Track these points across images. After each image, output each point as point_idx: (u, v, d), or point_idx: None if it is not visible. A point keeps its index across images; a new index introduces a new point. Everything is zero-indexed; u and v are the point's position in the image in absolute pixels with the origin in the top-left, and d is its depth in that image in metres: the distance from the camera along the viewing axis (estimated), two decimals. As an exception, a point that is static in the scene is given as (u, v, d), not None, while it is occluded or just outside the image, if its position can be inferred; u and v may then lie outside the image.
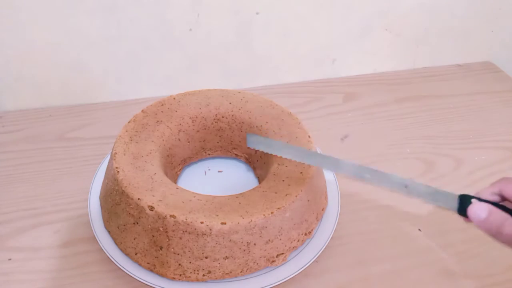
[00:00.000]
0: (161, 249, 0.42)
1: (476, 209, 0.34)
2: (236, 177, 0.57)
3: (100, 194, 0.51)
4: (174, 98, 0.56)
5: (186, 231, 0.41)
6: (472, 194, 0.56)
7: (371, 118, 0.70)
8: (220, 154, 0.59)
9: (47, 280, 0.46)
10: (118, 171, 0.46)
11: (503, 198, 0.35)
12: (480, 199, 0.35)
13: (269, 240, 0.43)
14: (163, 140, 0.51)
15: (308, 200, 0.46)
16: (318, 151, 0.57)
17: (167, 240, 0.42)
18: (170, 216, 0.41)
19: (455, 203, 0.36)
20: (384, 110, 0.72)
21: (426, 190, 0.38)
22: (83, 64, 0.67)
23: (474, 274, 0.48)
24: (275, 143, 0.47)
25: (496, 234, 0.33)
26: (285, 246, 0.45)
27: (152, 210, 0.42)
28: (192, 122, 0.55)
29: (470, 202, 0.35)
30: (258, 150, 0.54)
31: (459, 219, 0.54)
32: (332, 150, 0.62)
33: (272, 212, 0.43)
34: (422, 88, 0.78)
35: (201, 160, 0.59)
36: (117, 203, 0.45)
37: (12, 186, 0.56)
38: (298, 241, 0.46)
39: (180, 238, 0.42)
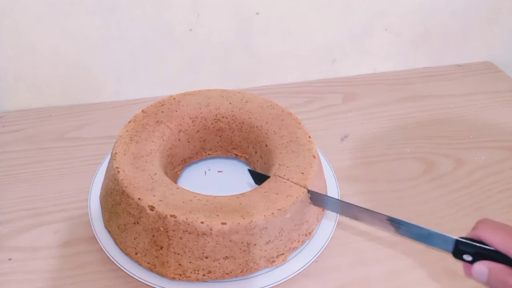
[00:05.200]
0: (161, 249, 0.42)
1: (476, 270, 0.32)
2: (236, 177, 0.57)
3: (100, 194, 0.51)
4: (174, 98, 0.56)
5: (187, 231, 0.41)
6: (469, 195, 0.57)
7: (371, 118, 0.70)
8: (220, 154, 0.59)
9: (47, 280, 0.46)
10: (118, 171, 0.46)
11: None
12: (479, 245, 0.33)
13: (269, 240, 0.43)
14: (163, 140, 0.51)
15: (309, 202, 0.46)
16: (318, 152, 0.57)
17: (168, 240, 0.42)
18: (171, 216, 0.41)
19: (450, 247, 0.35)
20: (384, 110, 0.72)
21: (420, 232, 0.38)
22: (83, 64, 0.67)
23: (474, 274, 0.48)
24: None
25: None
26: (285, 246, 0.45)
27: (153, 210, 0.42)
28: (192, 122, 0.55)
29: (464, 251, 0.34)
30: (258, 150, 0.54)
31: (460, 219, 0.54)
32: (332, 150, 0.62)
33: (272, 213, 0.43)
34: (422, 88, 0.78)
35: (201, 160, 0.59)
36: (117, 203, 0.45)
37: (12, 186, 0.56)
38: (298, 241, 0.46)
39: (181, 238, 0.42)
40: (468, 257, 0.34)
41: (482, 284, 0.32)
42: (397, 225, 0.39)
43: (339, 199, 0.45)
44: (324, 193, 0.51)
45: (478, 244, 0.33)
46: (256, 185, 0.51)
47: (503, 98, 0.76)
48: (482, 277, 0.32)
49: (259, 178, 0.50)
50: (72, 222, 0.52)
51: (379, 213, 0.41)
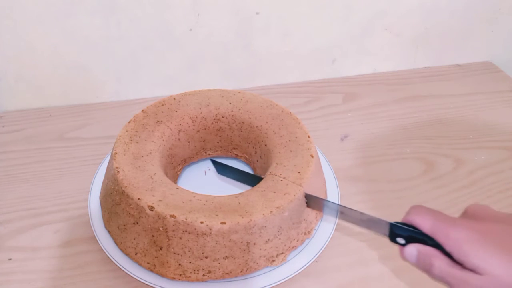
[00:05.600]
0: (161, 249, 0.42)
1: (406, 252, 0.35)
2: (236, 177, 0.57)
3: (100, 194, 0.51)
4: (174, 98, 0.56)
5: (186, 231, 0.41)
6: (469, 195, 0.57)
7: (371, 118, 0.70)
8: (220, 154, 0.59)
9: (47, 280, 0.46)
10: (118, 171, 0.46)
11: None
12: (409, 228, 0.35)
13: (268, 239, 0.43)
14: (163, 140, 0.52)
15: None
16: (318, 152, 0.57)
17: (167, 240, 0.42)
18: (170, 216, 0.41)
19: (386, 230, 0.37)
20: (384, 110, 0.72)
21: (360, 217, 0.40)
22: (83, 64, 0.67)
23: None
24: (243, 174, 0.52)
25: (428, 274, 0.34)
26: (285, 245, 0.45)
27: (152, 210, 0.42)
28: (192, 122, 0.55)
29: (398, 235, 0.36)
30: (258, 150, 0.54)
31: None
32: (332, 150, 0.62)
33: (271, 212, 0.43)
34: (422, 88, 0.78)
35: (201, 160, 0.59)
36: (117, 203, 0.45)
37: (12, 186, 0.56)
38: (297, 240, 0.46)
39: (180, 238, 0.42)
40: (401, 240, 0.36)
41: (413, 265, 0.35)
42: (342, 211, 0.42)
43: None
44: (323, 192, 0.51)
45: (408, 228, 0.35)
46: (219, 175, 0.54)
47: (503, 98, 0.76)
48: (412, 258, 0.34)
49: (224, 169, 0.53)
50: (72, 222, 0.52)
51: (329, 201, 0.44)
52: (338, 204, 0.43)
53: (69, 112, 0.69)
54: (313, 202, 0.46)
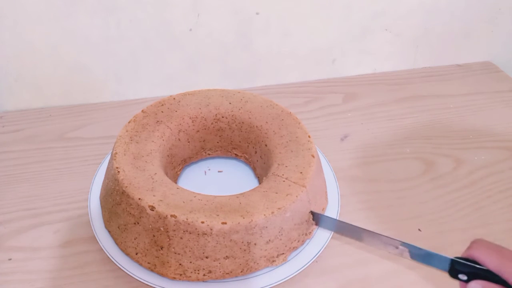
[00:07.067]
0: (161, 249, 0.42)
1: None
2: (236, 177, 0.57)
3: (101, 194, 0.51)
4: (174, 98, 0.56)
5: (187, 231, 0.41)
6: (469, 195, 0.57)
7: (371, 118, 0.70)
8: (220, 154, 0.59)
9: (47, 280, 0.46)
10: (118, 171, 0.46)
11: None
12: (472, 265, 0.34)
13: (269, 240, 0.43)
14: (163, 140, 0.52)
15: (309, 201, 0.46)
16: (318, 152, 0.57)
17: (168, 240, 0.42)
18: (171, 216, 0.41)
19: (446, 266, 0.36)
20: (384, 110, 0.72)
21: (418, 252, 0.39)
22: (83, 64, 0.67)
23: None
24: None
25: None
26: (286, 246, 0.45)
27: (153, 210, 0.42)
28: (192, 122, 0.55)
29: (459, 271, 0.35)
30: (258, 150, 0.54)
31: (459, 219, 0.54)
32: (332, 150, 0.62)
33: (272, 212, 0.43)
34: (422, 88, 0.78)
35: (201, 160, 0.59)
36: (117, 203, 0.45)
37: (12, 186, 0.56)
38: (298, 241, 0.46)
39: (181, 238, 0.42)
40: (463, 277, 0.35)
41: None
42: (396, 245, 0.40)
43: (340, 219, 0.46)
44: (323, 193, 0.51)
45: (472, 264, 0.34)
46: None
47: (503, 98, 0.76)
48: None
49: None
50: (72, 222, 0.52)
51: (379, 234, 0.41)
52: (392, 239, 0.40)
53: (69, 112, 0.69)
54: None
